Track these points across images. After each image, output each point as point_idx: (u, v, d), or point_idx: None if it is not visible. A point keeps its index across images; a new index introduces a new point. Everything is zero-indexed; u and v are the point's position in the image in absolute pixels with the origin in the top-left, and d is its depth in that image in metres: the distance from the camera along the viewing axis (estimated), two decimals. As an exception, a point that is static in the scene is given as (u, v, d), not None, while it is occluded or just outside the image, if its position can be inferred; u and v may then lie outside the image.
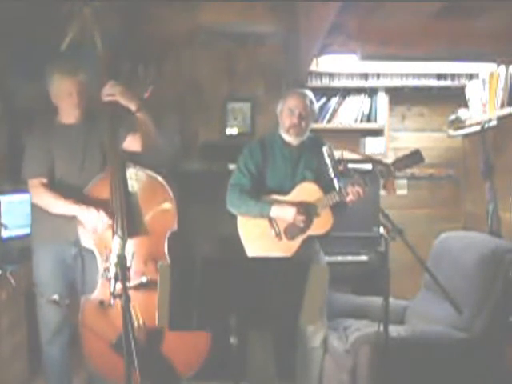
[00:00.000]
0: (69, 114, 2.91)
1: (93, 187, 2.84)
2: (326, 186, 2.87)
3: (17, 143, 3.37)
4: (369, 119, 4.08)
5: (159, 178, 2.91)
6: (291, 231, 2.91)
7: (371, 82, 3.99)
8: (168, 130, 3.85)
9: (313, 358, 3.01)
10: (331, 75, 3.94)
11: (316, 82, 3.95)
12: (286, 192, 2.95)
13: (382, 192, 3.86)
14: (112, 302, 2.29)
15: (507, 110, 3.33)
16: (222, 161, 3.74)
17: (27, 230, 3.04)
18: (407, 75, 3.97)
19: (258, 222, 2.93)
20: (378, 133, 4.09)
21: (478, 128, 3.68)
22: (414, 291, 3.37)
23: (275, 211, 2.89)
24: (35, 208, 2.89)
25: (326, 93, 4.02)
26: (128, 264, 2.20)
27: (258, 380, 3.04)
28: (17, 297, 3.11)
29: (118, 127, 2.89)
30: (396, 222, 2.34)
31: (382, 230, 2.32)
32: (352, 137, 4.12)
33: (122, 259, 2.13)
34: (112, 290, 2.14)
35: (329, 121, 4.04)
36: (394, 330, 2.70)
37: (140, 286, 2.72)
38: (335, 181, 2.69)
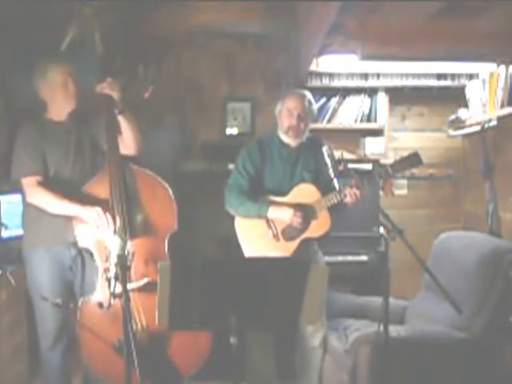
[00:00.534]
0: (60, 109, 2.85)
1: (91, 186, 2.80)
2: (325, 187, 2.87)
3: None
4: (369, 119, 4.07)
5: (159, 178, 2.90)
6: (289, 232, 2.91)
7: (371, 82, 3.99)
8: (168, 130, 3.86)
9: (313, 358, 3.02)
10: (331, 75, 3.94)
11: (316, 82, 3.94)
12: (284, 193, 2.95)
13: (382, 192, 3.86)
14: (112, 302, 2.28)
15: (507, 110, 3.32)
16: (222, 161, 3.73)
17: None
18: (407, 75, 3.96)
19: (255, 223, 2.93)
20: (377, 133, 4.09)
21: (477, 128, 3.67)
22: (414, 291, 3.37)
23: (273, 212, 2.88)
24: (30, 208, 2.79)
25: (326, 93, 4.01)
26: (128, 264, 2.20)
27: (257, 380, 3.04)
28: (17, 297, 3.10)
29: (115, 125, 2.85)
30: (396, 222, 2.35)
31: (381, 230, 2.33)
32: (352, 137, 4.12)
33: (122, 259, 2.14)
34: (112, 290, 2.14)
35: (329, 121, 4.03)
36: (394, 330, 2.69)
37: (142, 288, 2.71)
38: (335, 181, 2.69)
